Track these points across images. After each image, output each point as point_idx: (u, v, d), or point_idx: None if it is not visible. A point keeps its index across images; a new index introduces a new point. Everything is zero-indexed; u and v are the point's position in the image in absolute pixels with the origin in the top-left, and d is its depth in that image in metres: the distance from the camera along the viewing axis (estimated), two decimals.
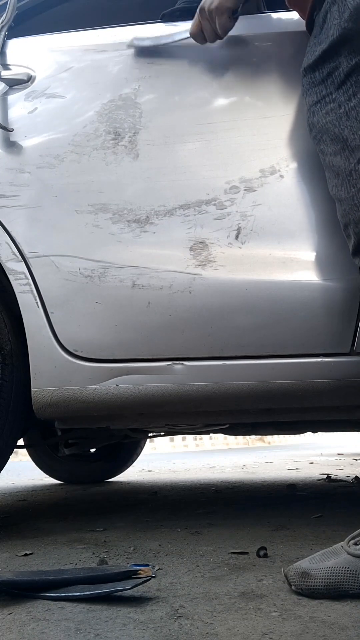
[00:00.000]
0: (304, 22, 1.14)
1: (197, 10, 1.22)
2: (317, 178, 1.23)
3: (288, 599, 0.84)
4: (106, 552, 1.19)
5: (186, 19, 1.32)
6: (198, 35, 1.25)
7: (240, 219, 1.24)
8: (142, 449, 2.85)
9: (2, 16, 1.37)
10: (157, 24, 1.38)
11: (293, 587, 0.87)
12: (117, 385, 1.25)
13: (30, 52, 1.40)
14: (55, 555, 1.18)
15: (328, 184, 1.06)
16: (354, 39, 0.96)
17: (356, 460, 3.77)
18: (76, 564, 1.10)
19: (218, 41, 1.26)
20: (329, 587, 0.82)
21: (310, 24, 1.10)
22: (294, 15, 1.31)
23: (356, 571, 0.82)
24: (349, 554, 0.84)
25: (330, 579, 0.82)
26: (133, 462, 2.84)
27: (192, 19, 1.25)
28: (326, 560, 0.85)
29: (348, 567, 0.82)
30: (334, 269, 1.21)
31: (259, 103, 1.28)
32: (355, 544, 0.85)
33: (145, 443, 2.87)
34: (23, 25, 1.47)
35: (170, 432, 2.49)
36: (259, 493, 2.12)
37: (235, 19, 1.23)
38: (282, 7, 1.33)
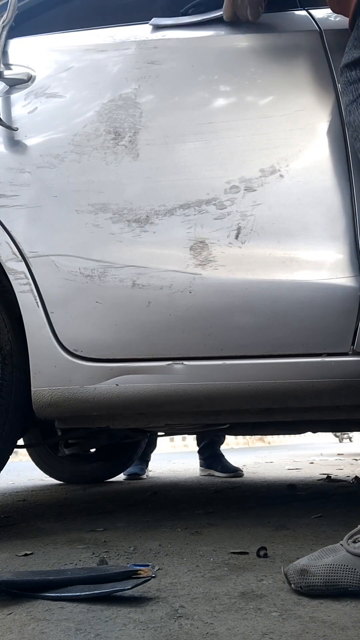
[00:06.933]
0: (303, 22, 1.15)
1: None
2: (316, 177, 1.23)
3: (288, 599, 0.84)
4: (106, 552, 1.19)
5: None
6: (232, 19, 1.31)
7: (240, 218, 1.23)
8: (142, 449, 2.84)
9: (2, 16, 1.37)
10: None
11: (292, 585, 0.87)
12: (117, 384, 1.25)
13: (31, 52, 1.40)
14: (55, 555, 1.18)
15: None
16: None
17: (356, 460, 3.77)
18: (76, 564, 1.10)
19: (217, 41, 1.26)
20: (327, 584, 0.83)
21: (352, 23, 1.10)
22: (293, 16, 1.31)
23: (355, 569, 0.82)
24: (347, 551, 0.84)
25: (329, 576, 0.83)
26: (133, 462, 2.84)
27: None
28: (325, 557, 0.86)
29: (347, 565, 0.83)
30: (333, 268, 1.21)
31: (259, 103, 1.28)
32: (354, 541, 0.85)
33: (145, 443, 2.87)
34: (23, 25, 1.47)
35: (170, 432, 2.49)
36: (259, 493, 2.12)
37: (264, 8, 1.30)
38: (281, 8, 1.34)
